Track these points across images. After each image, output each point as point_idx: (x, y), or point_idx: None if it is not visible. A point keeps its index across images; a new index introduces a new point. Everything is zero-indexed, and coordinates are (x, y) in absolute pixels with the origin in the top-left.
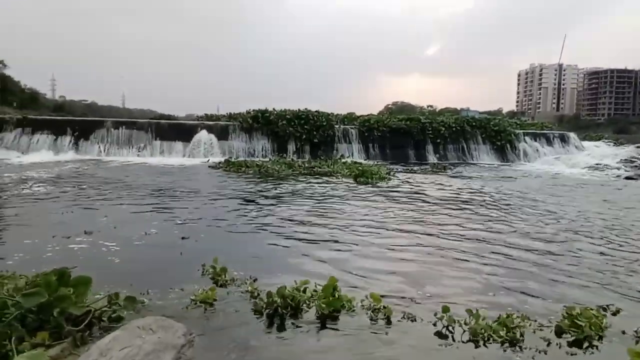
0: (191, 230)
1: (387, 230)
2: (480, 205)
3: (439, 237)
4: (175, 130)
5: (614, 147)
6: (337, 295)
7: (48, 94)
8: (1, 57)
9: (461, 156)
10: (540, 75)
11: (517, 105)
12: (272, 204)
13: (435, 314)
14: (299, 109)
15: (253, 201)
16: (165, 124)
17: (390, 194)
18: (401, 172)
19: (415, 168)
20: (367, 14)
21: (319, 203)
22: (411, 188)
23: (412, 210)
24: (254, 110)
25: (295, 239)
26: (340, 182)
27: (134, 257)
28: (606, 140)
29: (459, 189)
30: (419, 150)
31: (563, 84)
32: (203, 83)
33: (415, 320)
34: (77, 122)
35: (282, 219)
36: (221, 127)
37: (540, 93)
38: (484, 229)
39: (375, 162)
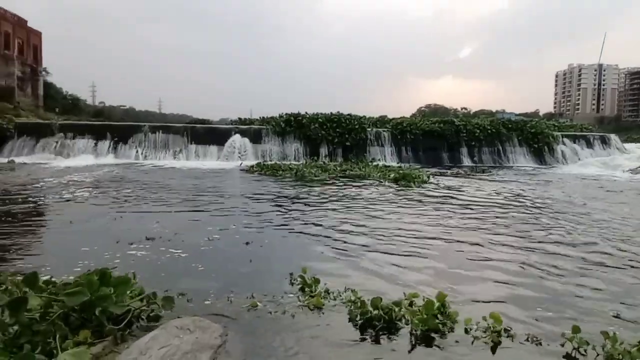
0: (249, 235)
1: (455, 238)
2: (541, 213)
3: (519, 248)
4: (210, 134)
5: None
6: (447, 312)
7: (88, 100)
8: (45, 64)
9: (497, 159)
10: (579, 75)
11: (554, 107)
12: (320, 208)
13: (563, 334)
14: (331, 112)
15: (299, 204)
16: (200, 128)
17: (438, 198)
18: (438, 175)
19: (451, 171)
20: (399, 17)
21: (367, 207)
22: (457, 192)
23: (471, 218)
24: (286, 114)
25: (357, 244)
26: (382, 185)
27: (208, 264)
28: None
29: (507, 193)
30: (452, 153)
31: (603, 85)
32: (236, 88)
33: (541, 344)
34: (116, 127)
35: (339, 221)
36: (254, 131)
37: (579, 94)
38: (564, 242)
39: (408, 165)
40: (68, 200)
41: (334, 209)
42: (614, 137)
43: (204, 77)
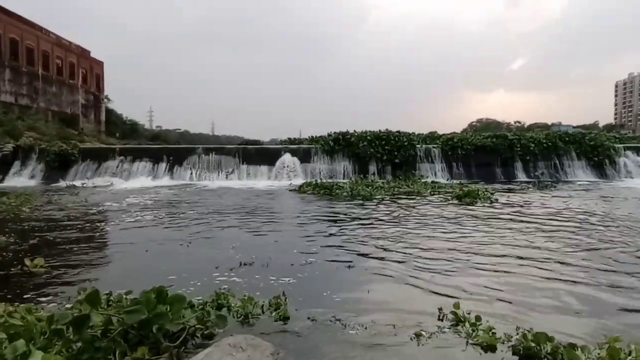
0: (337, 255)
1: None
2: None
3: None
4: (261, 155)
5: None
6: None
7: (146, 124)
8: (106, 91)
9: (553, 173)
10: None
11: (615, 118)
12: (389, 226)
13: None
14: (379, 130)
15: (368, 224)
16: (251, 148)
17: (508, 216)
18: (496, 191)
19: (508, 187)
20: (449, 30)
21: (439, 225)
22: (523, 210)
23: (552, 239)
24: (335, 133)
25: (441, 270)
26: (449, 204)
27: (316, 290)
28: None
29: (576, 210)
30: (506, 168)
31: None
32: (285, 110)
33: None
34: (171, 149)
35: (416, 242)
36: (303, 150)
37: None
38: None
39: (459, 182)
40: (134, 223)
41: (404, 228)
42: None
43: (254, 100)
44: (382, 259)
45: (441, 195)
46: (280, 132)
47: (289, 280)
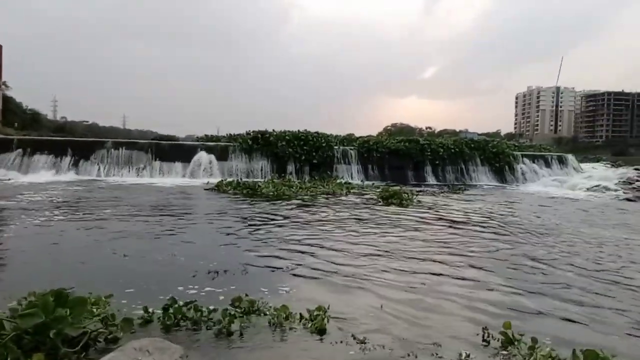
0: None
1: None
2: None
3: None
4: (175, 151)
5: (612, 169)
6: None
7: (49, 114)
8: (5, 77)
9: (460, 177)
10: (538, 97)
11: (515, 127)
12: (325, 226)
13: None
14: (298, 130)
15: (300, 225)
16: (165, 144)
17: (437, 217)
18: (412, 193)
19: (420, 189)
20: (368, 36)
21: (383, 230)
22: (446, 211)
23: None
24: (253, 132)
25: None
26: (374, 205)
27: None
28: (604, 162)
29: (486, 211)
30: (417, 172)
31: (560, 107)
32: (202, 106)
33: None
34: (77, 142)
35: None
36: (221, 148)
37: (538, 115)
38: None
39: (373, 183)
40: (32, 223)
41: (353, 229)
42: (571, 158)
43: (170, 94)
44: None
45: (367, 197)
46: (197, 129)
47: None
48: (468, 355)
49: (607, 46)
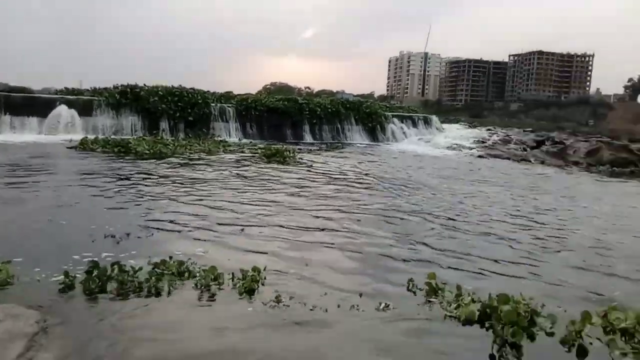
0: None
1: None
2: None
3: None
4: (30, 105)
5: (469, 130)
6: None
7: None
8: None
9: (336, 136)
10: (409, 62)
11: (387, 90)
12: (207, 186)
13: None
14: (172, 86)
15: (186, 185)
16: (17, 97)
17: (318, 174)
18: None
19: (299, 147)
20: None
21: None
22: (326, 168)
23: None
24: (122, 86)
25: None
26: (258, 163)
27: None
28: (463, 123)
29: (362, 168)
30: (295, 130)
31: (428, 72)
32: (65, 56)
33: None
34: None
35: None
36: (84, 102)
37: (408, 79)
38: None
39: (251, 142)
40: None
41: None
42: (434, 119)
43: (26, 43)
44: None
45: (247, 155)
46: (55, 81)
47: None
48: (393, 307)
49: (471, 16)
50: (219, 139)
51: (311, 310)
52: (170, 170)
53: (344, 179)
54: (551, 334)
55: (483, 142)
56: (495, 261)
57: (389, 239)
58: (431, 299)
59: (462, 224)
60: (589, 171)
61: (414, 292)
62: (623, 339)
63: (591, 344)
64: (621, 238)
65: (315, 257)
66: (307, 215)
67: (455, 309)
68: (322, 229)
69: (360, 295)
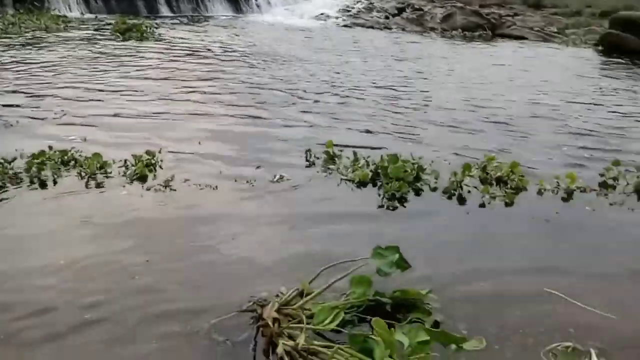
0: None
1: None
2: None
3: None
4: None
5: None
6: None
7: None
8: None
9: (196, 8)
10: None
11: None
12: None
13: None
14: None
15: (37, 68)
16: None
17: (182, 50)
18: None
19: (156, 22)
20: None
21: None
22: (189, 43)
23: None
24: None
25: None
26: (112, 42)
27: None
28: None
29: (228, 42)
30: (149, 2)
31: None
32: None
33: None
34: None
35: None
36: None
37: None
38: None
39: (96, 16)
40: None
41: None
42: None
43: None
44: None
45: (97, 31)
46: None
47: None
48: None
49: None
50: (57, 13)
51: (201, 189)
52: (11, 52)
53: (212, 56)
54: (434, 189)
55: (348, 10)
56: (371, 130)
57: (272, 116)
58: (330, 167)
59: (354, 100)
60: (444, 36)
61: (313, 163)
62: (498, 186)
63: (469, 192)
64: (485, 95)
65: (205, 138)
66: (182, 93)
67: (352, 172)
68: (203, 109)
69: (258, 167)
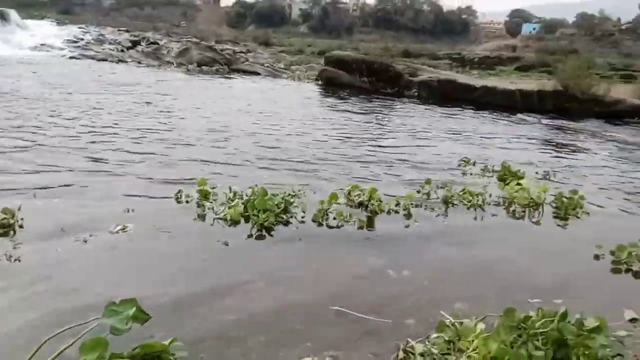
0: None
1: None
2: None
3: None
4: None
5: (59, 27)
6: None
7: None
8: None
9: None
10: None
11: None
12: None
13: None
14: None
15: None
16: None
17: None
18: None
19: None
20: None
21: None
22: None
23: None
24: None
25: None
26: None
27: None
28: (50, 20)
29: None
30: None
31: None
32: None
33: None
34: None
35: None
36: None
37: None
38: None
39: None
40: None
41: None
42: (13, 13)
43: None
44: None
45: None
46: None
47: None
48: None
49: None
50: None
51: None
52: None
53: None
54: (302, 222)
55: (76, 41)
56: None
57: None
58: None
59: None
60: (181, 70)
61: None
62: (361, 209)
63: (334, 218)
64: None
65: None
66: None
67: (227, 209)
68: None
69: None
